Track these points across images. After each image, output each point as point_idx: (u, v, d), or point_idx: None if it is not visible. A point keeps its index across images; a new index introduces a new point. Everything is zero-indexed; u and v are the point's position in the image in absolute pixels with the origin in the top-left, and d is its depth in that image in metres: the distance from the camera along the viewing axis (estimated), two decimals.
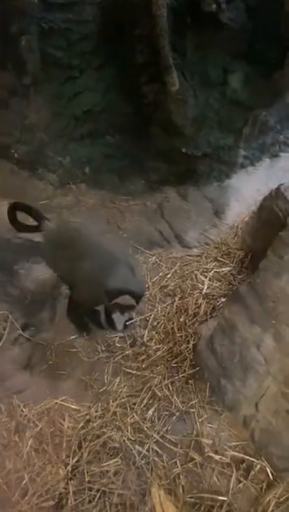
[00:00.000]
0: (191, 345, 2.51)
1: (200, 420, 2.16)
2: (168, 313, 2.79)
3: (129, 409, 2.22)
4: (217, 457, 2.02)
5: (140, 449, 2.05)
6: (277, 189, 2.89)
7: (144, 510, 1.86)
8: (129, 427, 2.13)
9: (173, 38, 3.27)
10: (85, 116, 3.85)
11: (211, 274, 3.03)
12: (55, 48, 3.50)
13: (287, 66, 3.35)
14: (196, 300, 2.82)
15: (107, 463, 2.00)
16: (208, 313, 2.72)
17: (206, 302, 2.80)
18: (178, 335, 2.60)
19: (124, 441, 2.07)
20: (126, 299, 2.32)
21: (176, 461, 2.03)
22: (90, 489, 1.92)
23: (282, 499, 1.89)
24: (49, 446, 2.07)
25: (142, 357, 2.52)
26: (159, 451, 2.06)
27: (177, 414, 2.20)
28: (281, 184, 2.92)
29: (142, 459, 2.02)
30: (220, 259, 3.20)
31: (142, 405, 2.25)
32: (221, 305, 2.73)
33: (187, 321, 2.68)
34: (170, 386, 2.33)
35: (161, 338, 2.63)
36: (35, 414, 2.20)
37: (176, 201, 3.87)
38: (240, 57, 3.54)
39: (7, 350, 2.51)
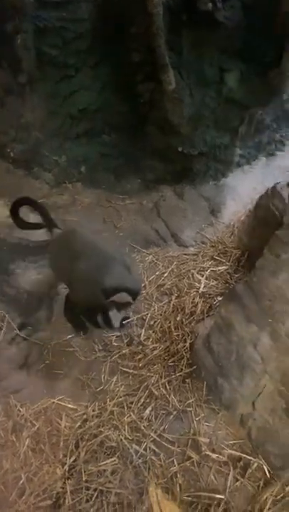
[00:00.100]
0: (187, 344, 2.51)
1: (197, 419, 2.17)
2: (165, 312, 2.79)
3: (126, 408, 2.22)
4: (214, 456, 2.02)
5: (137, 448, 2.05)
6: (274, 188, 2.89)
7: (142, 509, 1.86)
8: (126, 426, 2.13)
9: (169, 37, 3.26)
10: (81, 115, 3.84)
11: (207, 272, 3.04)
12: (51, 46, 3.49)
13: (283, 64, 3.35)
14: (193, 299, 2.82)
15: (105, 462, 2.00)
16: (205, 312, 2.72)
17: (203, 301, 2.80)
18: (175, 334, 2.60)
19: (121, 440, 2.07)
20: (122, 297, 2.32)
21: (173, 460, 2.03)
22: (88, 488, 1.92)
23: (279, 497, 1.90)
24: (46, 446, 2.07)
25: (139, 356, 2.52)
26: (157, 450, 2.06)
27: (174, 413, 2.21)
28: (277, 183, 2.92)
29: (139, 458, 2.02)
30: (216, 258, 3.20)
31: (139, 404, 2.25)
32: (217, 304, 2.73)
33: (184, 319, 2.69)
34: (167, 385, 2.33)
35: (158, 337, 2.63)
36: (32, 414, 2.20)
37: (172, 200, 3.87)
38: (236, 55, 3.53)
39: (4, 349, 2.51)
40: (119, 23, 3.45)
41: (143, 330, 2.68)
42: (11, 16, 3.28)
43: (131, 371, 2.44)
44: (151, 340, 2.62)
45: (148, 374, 2.40)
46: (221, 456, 2.02)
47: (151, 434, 2.11)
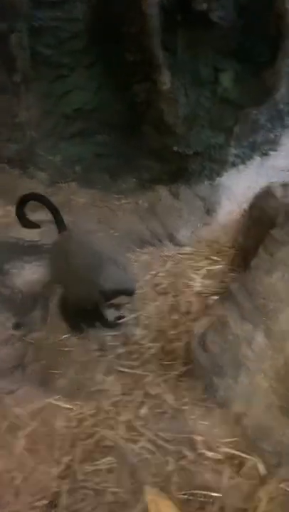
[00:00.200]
0: (183, 343, 2.51)
1: (192, 418, 2.16)
2: (160, 311, 2.80)
3: (122, 407, 2.22)
4: (210, 454, 2.02)
5: (133, 447, 2.05)
6: (268, 187, 2.91)
7: (138, 508, 1.86)
8: (122, 426, 2.13)
9: (164, 37, 3.27)
10: (76, 114, 3.83)
11: (202, 272, 3.04)
12: (45, 46, 3.49)
13: (278, 64, 3.37)
14: (188, 298, 2.83)
15: (101, 461, 2.00)
16: (201, 311, 2.73)
17: (198, 300, 2.81)
18: (170, 333, 2.60)
19: (117, 439, 2.07)
20: (120, 298, 2.34)
21: (169, 459, 2.03)
22: (83, 488, 1.92)
23: (274, 495, 1.90)
24: (42, 446, 2.07)
25: (135, 355, 2.52)
26: (152, 448, 2.06)
27: (170, 411, 2.20)
28: (271, 182, 2.94)
29: (135, 457, 2.02)
30: (212, 257, 3.21)
31: (135, 403, 2.25)
32: (213, 303, 2.74)
33: (179, 319, 2.69)
34: (163, 384, 2.33)
35: (153, 337, 2.63)
36: (27, 414, 2.19)
37: (167, 200, 3.87)
38: (231, 55, 3.55)
39: None
40: (115, 23, 3.46)
41: (138, 329, 2.68)
42: (5, 15, 3.28)
43: (127, 370, 2.44)
44: (146, 339, 2.62)
45: (144, 373, 2.40)
46: (216, 455, 2.03)
47: (147, 433, 2.11)
